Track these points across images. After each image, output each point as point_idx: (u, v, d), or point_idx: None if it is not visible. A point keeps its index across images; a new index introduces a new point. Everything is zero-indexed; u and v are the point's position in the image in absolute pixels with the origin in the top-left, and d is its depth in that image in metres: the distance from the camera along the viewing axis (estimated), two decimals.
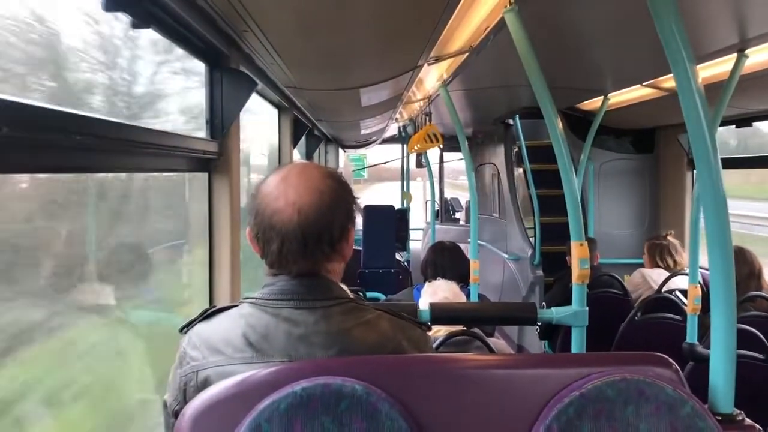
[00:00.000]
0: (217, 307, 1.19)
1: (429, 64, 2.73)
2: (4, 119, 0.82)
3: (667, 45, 1.29)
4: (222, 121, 1.84)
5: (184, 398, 1.11)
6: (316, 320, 1.11)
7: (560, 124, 2.00)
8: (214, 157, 1.87)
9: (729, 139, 4.97)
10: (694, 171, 4.58)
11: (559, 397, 1.07)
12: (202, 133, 1.87)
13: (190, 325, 1.18)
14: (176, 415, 1.12)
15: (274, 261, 1.13)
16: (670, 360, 1.14)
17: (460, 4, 1.83)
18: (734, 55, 2.48)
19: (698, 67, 1.30)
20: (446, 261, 3.01)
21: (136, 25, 1.22)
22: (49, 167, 1.08)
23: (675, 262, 3.90)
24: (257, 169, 3.72)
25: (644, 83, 3.39)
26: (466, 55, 2.63)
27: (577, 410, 1.05)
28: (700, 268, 2.90)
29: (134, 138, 1.31)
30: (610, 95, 3.83)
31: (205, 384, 1.09)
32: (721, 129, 3.86)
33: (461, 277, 2.94)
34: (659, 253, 3.94)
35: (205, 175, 1.91)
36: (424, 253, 3.24)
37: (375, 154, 10.23)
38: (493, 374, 1.10)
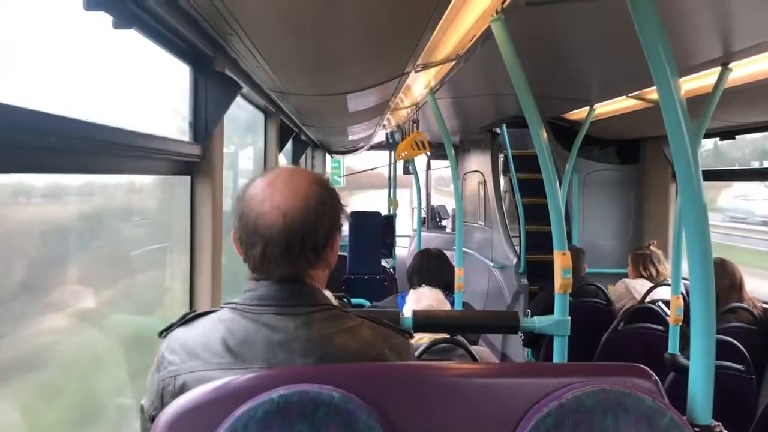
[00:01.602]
0: (197, 312, 1.18)
1: (416, 71, 2.73)
2: None
3: (651, 57, 1.30)
4: (206, 124, 1.83)
5: (162, 403, 1.10)
6: (297, 327, 1.10)
7: (545, 134, 2.01)
8: (197, 161, 1.85)
9: None
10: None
11: (538, 407, 1.07)
12: (185, 136, 1.86)
13: (169, 329, 1.17)
14: (153, 420, 1.11)
15: (257, 265, 1.13)
16: (650, 371, 1.14)
17: (447, 12, 1.83)
18: (718, 69, 2.51)
19: (682, 80, 1.31)
20: (432, 268, 3.01)
21: (117, 26, 1.21)
22: (27, 168, 1.06)
23: (657, 271, 3.93)
24: (241, 173, 3.70)
25: (630, 94, 3.42)
26: (453, 63, 2.64)
27: (556, 420, 1.05)
28: (683, 279, 2.92)
29: (115, 140, 1.29)
30: (595, 106, 3.86)
31: (183, 389, 1.08)
32: None
33: (446, 284, 2.94)
34: (642, 263, 3.97)
35: (188, 178, 1.89)
36: (410, 260, 3.24)
37: (360, 160, 10.17)
38: (473, 383, 1.10)
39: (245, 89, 2.30)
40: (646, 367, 1.15)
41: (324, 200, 1.13)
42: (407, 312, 2.18)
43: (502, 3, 1.81)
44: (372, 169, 9.51)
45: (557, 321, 2.06)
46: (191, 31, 1.57)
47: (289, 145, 4.36)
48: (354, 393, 1.01)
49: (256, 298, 1.13)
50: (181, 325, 1.16)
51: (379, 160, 9.11)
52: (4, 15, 1.12)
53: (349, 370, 1.07)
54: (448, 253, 3.25)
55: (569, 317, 2.07)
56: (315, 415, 0.99)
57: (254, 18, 1.58)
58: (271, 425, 0.98)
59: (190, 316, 1.17)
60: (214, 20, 1.57)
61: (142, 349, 1.70)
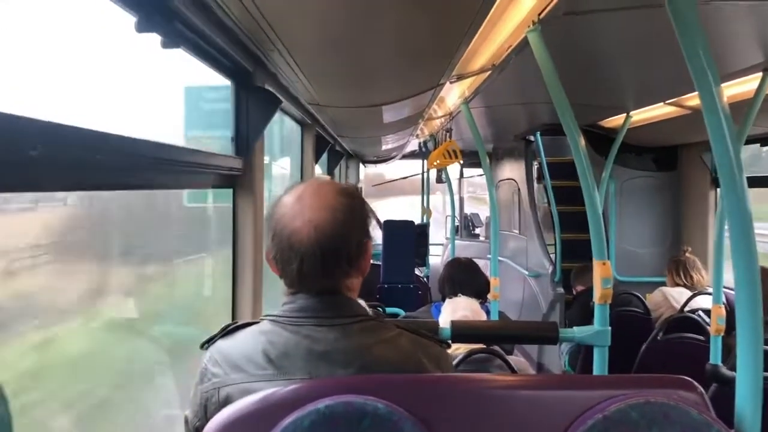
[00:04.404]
0: (238, 323, 1.19)
1: (451, 82, 2.74)
2: (38, 139, 0.84)
3: (692, 64, 1.28)
4: (247, 138, 1.87)
5: (205, 415, 1.12)
6: (337, 338, 1.11)
7: (583, 142, 1.99)
8: (239, 174, 1.89)
9: None
10: (718, 189, 4.53)
11: (582, 419, 1.06)
12: (228, 150, 1.90)
13: (211, 341, 1.19)
14: (197, 431, 1.13)
15: (294, 280, 1.14)
16: (695, 383, 1.13)
17: (483, 25, 1.84)
18: (759, 74, 2.46)
19: (722, 85, 1.29)
20: (463, 277, 2.99)
21: (166, 45, 1.25)
22: (80, 185, 1.10)
23: (692, 278, 3.86)
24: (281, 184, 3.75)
25: (667, 101, 3.37)
26: (488, 73, 2.64)
27: None
28: (724, 287, 2.86)
29: (162, 155, 1.33)
30: (632, 113, 3.82)
31: (227, 401, 1.09)
32: None
33: (479, 293, 2.92)
34: (676, 269, 3.91)
35: (230, 191, 1.93)
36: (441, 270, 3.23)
37: (390, 169, 10.21)
38: (516, 395, 1.10)
39: (284, 103, 2.34)
40: (691, 379, 1.13)
41: (352, 209, 1.15)
42: (443, 322, 2.18)
43: (539, 14, 1.81)
44: (405, 178, 9.52)
45: (597, 331, 2.04)
46: (234, 48, 1.61)
47: (324, 156, 4.40)
48: (398, 404, 1.02)
49: (295, 310, 1.14)
50: (222, 336, 1.18)
51: (409, 168, 9.13)
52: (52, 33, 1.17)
53: (392, 381, 1.08)
54: (482, 261, 3.23)
55: (609, 327, 2.05)
56: (360, 426, 1.00)
57: (294, 33, 1.60)
58: None
59: (231, 327, 1.19)
60: (255, 37, 1.60)
61: None
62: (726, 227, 1.56)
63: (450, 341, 1.93)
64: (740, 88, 2.68)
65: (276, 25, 1.49)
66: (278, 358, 1.10)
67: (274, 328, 1.13)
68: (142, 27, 1.16)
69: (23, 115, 0.82)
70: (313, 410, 1.00)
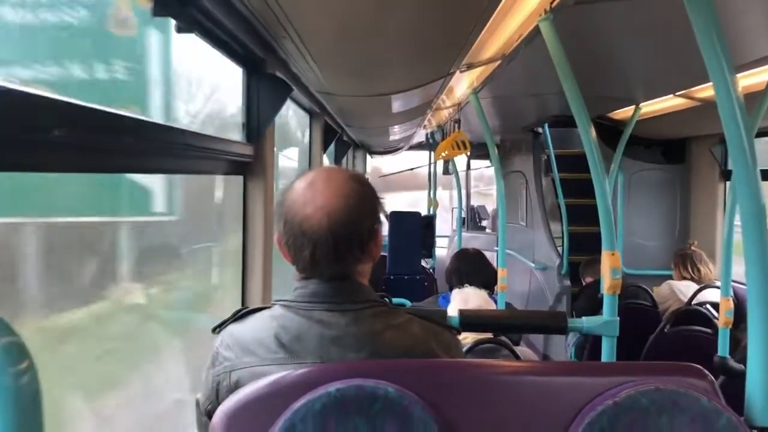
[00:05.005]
0: (249, 308, 1.20)
1: (461, 72, 2.74)
2: (61, 119, 0.85)
3: (707, 55, 1.28)
4: (258, 125, 1.88)
5: (217, 398, 1.14)
6: (348, 323, 1.12)
7: (594, 133, 1.99)
8: (250, 161, 1.90)
9: None
10: (727, 182, 4.52)
11: (591, 406, 1.06)
12: (238, 137, 1.91)
13: (222, 325, 1.20)
14: (209, 414, 1.14)
15: (307, 266, 1.15)
16: (705, 371, 1.13)
17: (495, 13, 1.84)
18: None
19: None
20: (470, 268, 2.99)
21: (180, 30, 1.26)
22: (96, 167, 1.10)
23: (699, 271, 3.85)
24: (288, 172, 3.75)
25: (677, 93, 3.36)
26: (498, 63, 2.63)
27: (611, 419, 1.04)
28: (732, 281, 2.85)
29: (175, 140, 1.34)
30: (641, 105, 3.80)
31: (238, 384, 1.11)
32: None
33: (486, 284, 2.92)
34: (683, 263, 3.91)
35: (240, 178, 1.94)
36: (448, 261, 3.23)
37: (394, 161, 10.15)
38: (526, 381, 1.10)
39: (294, 91, 2.35)
40: (701, 367, 1.14)
41: (363, 196, 1.15)
42: (453, 311, 2.19)
43: (551, 2, 1.80)
44: (412, 170, 9.51)
45: (606, 321, 2.04)
46: (246, 35, 1.62)
47: (331, 146, 4.40)
48: (408, 388, 1.03)
49: (307, 295, 1.15)
50: (233, 321, 1.19)
51: (415, 161, 9.11)
52: None
53: (403, 365, 1.09)
54: (488, 253, 3.23)
55: (618, 318, 2.05)
56: (371, 410, 1.01)
57: (307, 20, 1.61)
58: (328, 418, 1.00)
59: (243, 312, 1.20)
60: (268, 23, 1.61)
61: None
62: (736, 220, 1.56)
63: (459, 329, 1.94)
64: (751, 80, 2.66)
65: (289, 12, 1.49)
66: (290, 343, 1.11)
67: (286, 313, 1.14)
68: (158, 11, 1.17)
69: (47, 95, 0.82)
70: (324, 393, 1.01)
